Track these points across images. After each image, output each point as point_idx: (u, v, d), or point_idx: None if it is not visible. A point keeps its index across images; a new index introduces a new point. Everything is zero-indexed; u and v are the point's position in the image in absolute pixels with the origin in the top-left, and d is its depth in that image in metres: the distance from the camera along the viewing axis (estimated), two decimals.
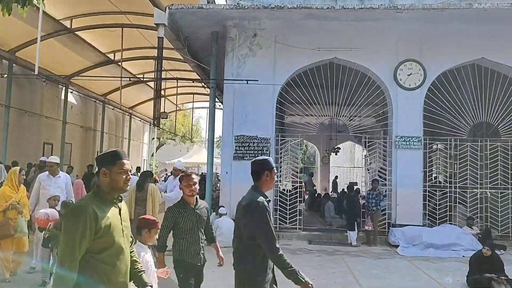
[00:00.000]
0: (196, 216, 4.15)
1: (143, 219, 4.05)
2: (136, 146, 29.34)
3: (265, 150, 11.06)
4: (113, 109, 23.17)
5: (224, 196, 11.00)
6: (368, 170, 11.45)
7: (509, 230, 10.70)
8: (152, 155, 33.44)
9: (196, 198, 4.25)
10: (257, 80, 10.85)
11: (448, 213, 10.88)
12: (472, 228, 10.42)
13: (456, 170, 11.01)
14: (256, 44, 11.27)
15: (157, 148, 36.47)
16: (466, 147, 10.92)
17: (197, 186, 4.22)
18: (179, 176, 8.46)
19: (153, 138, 33.70)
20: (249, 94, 11.15)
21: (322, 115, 11.40)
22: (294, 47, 11.08)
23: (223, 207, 10.28)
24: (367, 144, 11.11)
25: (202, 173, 31.03)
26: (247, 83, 10.86)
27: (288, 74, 11.26)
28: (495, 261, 6.74)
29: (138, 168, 12.82)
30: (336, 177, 22.49)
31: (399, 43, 11.05)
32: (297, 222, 11.08)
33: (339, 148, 24.57)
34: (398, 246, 10.05)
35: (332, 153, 24.46)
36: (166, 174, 29.19)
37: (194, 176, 4.24)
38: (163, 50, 10.75)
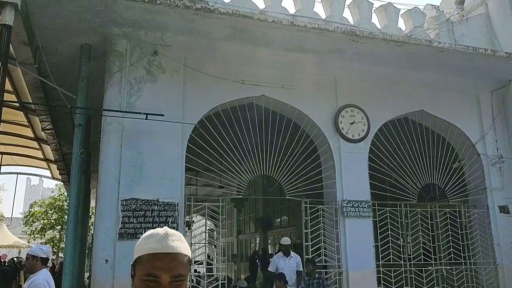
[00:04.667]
0: None
1: None
2: None
3: (171, 222, 7.16)
4: None
5: None
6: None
7: None
8: None
9: None
10: (163, 115, 7.19)
11: None
12: None
13: (409, 242, 8.90)
14: (157, 66, 7.70)
15: None
16: (417, 214, 8.99)
17: None
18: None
19: None
20: (147, 135, 7.33)
21: (246, 172, 8.17)
22: (211, 75, 7.90)
23: None
24: (308, 211, 8.24)
25: (13, 259, 23.49)
26: (146, 118, 7.09)
27: (203, 111, 7.88)
28: None
29: None
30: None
31: (339, 84, 8.91)
32: None
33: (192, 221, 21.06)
34: None
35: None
36: None
37: None
38: None
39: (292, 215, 19.00)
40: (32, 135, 20.70)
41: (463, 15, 11.00)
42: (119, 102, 7.33)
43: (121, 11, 6.85)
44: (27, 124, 18.48)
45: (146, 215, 7.04)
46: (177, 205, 7.25)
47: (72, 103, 7.79)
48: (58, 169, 18.12)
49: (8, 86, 14.29)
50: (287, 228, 20.30)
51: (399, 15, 9.68)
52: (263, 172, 8.23)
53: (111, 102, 7.34)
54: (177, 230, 6.49)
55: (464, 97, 9.88)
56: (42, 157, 20.91)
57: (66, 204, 35.07)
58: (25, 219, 35.69)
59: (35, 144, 22.31)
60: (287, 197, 8.27)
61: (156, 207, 7.11)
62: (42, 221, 35.49)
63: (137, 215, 6.98)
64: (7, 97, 14.69)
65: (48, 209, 35.98)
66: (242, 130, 8.11)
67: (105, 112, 7.29)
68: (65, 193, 35.01)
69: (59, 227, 35.17)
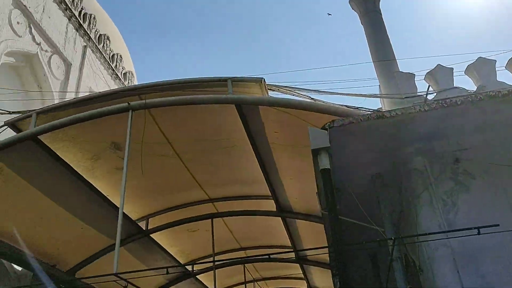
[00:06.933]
0: None
1: None
2: None
3: None
4: None
5: None
6: None
7: None
8: None
9: None
10: (498, 225, 5.98)
11: None
12: None
13: None
14: (463, 173, 6.83)
15: None
16: None
17: None
18: None
19: None
20: (481, 254, 6.16)
21: None
22: None
23: None
24: None
25: None
26: (478, 233, 5.95)
27: None
28: None
29: None
30: None
31: None
32: None
33: None
34: None
35: None
36: None
37: None
38: None
39: None
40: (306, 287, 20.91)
41: None
42: (438, 223, 6.52)
43: (415, 126, 6.50)
44: (302, 276, 18.91)
45: None
46: None
47: (370, 236, 7.31)
48: None
49: (287, 240, 14.96)
50: None
51: None
52: None
53: (427, 224, 6.58)
54: None
55: None
56: None
57: None
58: None
59: None
60: None
61: None
62: None
63: None
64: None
65: None
66: None
67: (422, 236, 6.51)
68: None
69: None
